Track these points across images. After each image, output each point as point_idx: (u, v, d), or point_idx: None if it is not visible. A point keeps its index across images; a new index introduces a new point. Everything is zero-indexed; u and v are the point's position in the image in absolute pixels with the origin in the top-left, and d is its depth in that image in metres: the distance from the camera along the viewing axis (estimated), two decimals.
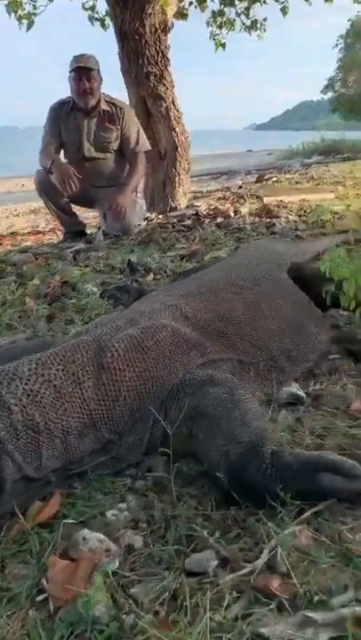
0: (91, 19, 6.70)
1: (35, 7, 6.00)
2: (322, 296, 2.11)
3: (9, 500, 1.15)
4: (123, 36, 5.09)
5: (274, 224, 4.42)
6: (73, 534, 1.09)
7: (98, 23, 6.65)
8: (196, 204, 5.71)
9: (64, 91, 4.35)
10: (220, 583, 0.96)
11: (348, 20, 25.27)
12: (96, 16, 6.67)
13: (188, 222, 4.69)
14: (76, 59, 4.13)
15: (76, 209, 4.65)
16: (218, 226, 4.53)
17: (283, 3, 6.80)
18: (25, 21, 5.98)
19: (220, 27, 7.29)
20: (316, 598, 0.91)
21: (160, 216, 5.15)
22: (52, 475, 1.22)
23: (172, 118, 5.33)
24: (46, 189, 4.31)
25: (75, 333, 1.88)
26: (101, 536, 1.08)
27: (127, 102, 5.30)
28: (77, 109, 4.24)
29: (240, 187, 7.66)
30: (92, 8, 6.58)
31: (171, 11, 5.25)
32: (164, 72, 5.22)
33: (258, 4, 6.93)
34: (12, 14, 5.84)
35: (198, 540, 1.07)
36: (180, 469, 1.30)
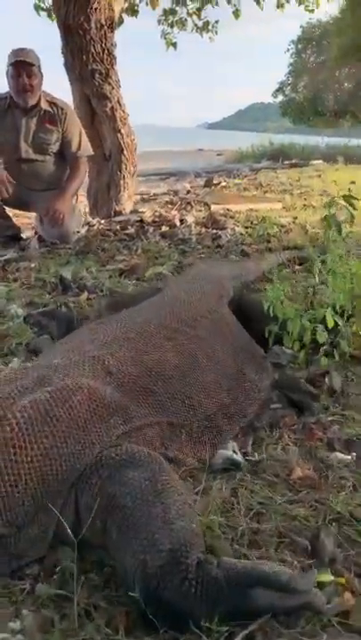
0: (37, 8, 6.35)
1: None
2: (263, 333, 1.97)
3: None
4: (66, 30, 4.78)
5: (220, 236, 4.28)
6: None
7: (45, 14, 6.31)
8: (141, 209, 5.49)
9: (1, 86, 4.03)
10: None
11: (300, 27, 25.68)
12: (42, 5, 6.32)
13: (131, 230, 4.47)
14: (15, 52, 3.80)
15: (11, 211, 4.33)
16: (163, 235, 4.33)
17: (235, 5, 6.70)
18: None
19: (171, 25, 7.12)
20: None
21: (103, 221, 4.89)
22: None
23: (118, 119, 5.07)
24: None
25: None
26: None
27: (71, 100, 5.02)
28: (15, 107, 3.93)
29: (188, 191, 7.51)
30: None
31: (118, 6, 5.00)
32: (110, 71, 4.96)
33: (210, 5, 6.78)
34: None
35: None
36: (96, 563, 1.09)
